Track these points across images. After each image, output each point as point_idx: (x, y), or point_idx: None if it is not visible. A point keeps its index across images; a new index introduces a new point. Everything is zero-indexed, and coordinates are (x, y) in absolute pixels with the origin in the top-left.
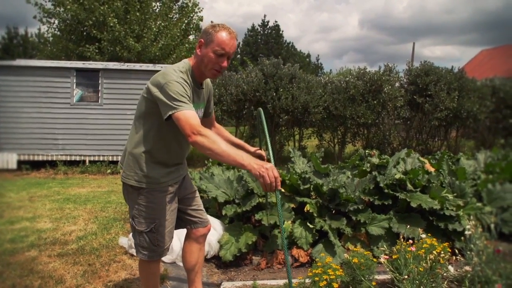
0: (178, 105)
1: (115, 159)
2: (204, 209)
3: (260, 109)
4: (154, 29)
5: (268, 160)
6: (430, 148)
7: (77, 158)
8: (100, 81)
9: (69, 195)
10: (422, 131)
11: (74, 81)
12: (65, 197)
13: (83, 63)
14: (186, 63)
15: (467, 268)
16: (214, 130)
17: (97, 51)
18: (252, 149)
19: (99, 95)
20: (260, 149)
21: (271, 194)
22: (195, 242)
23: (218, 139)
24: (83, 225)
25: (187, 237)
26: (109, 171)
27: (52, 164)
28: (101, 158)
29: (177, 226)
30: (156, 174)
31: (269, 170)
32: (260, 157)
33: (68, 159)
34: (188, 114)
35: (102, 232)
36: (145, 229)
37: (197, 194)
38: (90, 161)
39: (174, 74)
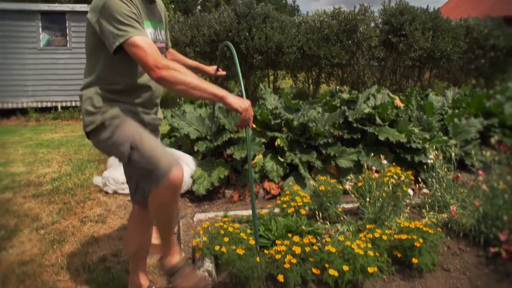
0: (126, 30)
1: None
2: None
3: (229, 42)
4: None
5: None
6: (403, 88)
7: (49, 105)
8: (67, 24)
9: (42, 140)
10: (396, 71)
11: (40, 24)
12: (38, 142)
13: (48, 6)
14: None
15: (426, 190)
16: (170, 57)
17: None
18: (209, 68)
19: (67, 39)
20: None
21: (242, 131)
22: (138, 220)
23: (188, 71)
24: (57, 167)
25: (131, 214)
26: None
27: (23, 112)
28: (73, 104)
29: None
30: (129, 107)
31: (249, 107)
32: (217, 77)
33: (40, 106)
34: (145, 41)
35: (76, 173)
36: (128, 149)
37: None
38: (62, 107)
39: None
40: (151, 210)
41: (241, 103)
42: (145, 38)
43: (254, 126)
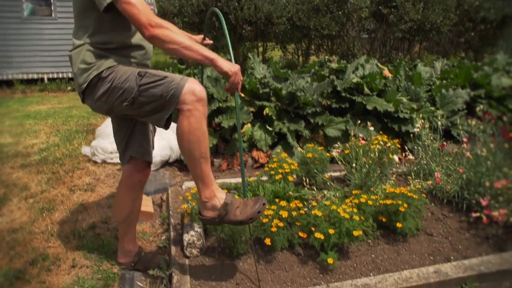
0: None
1: None
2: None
3: (215, 9)
4: None
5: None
6: (393, 60)
7: (35, 76)
8: None
9: (29, 111)
10: (386, 43)
11: None
12: (24, 114)
13: None
14: None
15: (411, 157)
16: None
17: None
18: (196, 37)
19: (52, 8)
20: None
21: (231, 99)
22: (128, 186)
23: (180, 31)
24: (45, 138)
25: (121, 180)
26: (69, 88)
27: (9, 84)
28: (60, 76)
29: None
30: (124, 61)
31: (238, 71)
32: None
33: (25, 77)
34: None
35: (64, 144)
36: (137, 78)
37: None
38: (48, 79)
39: None
40: (182, 143)
41: (230, 66)
42: None
43: (242, 95)
